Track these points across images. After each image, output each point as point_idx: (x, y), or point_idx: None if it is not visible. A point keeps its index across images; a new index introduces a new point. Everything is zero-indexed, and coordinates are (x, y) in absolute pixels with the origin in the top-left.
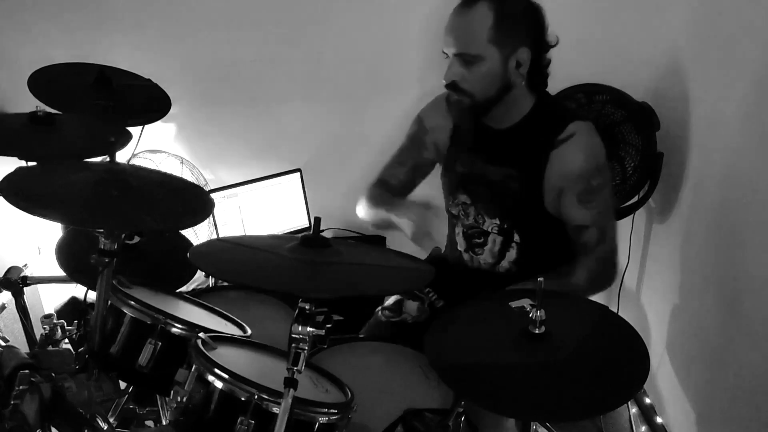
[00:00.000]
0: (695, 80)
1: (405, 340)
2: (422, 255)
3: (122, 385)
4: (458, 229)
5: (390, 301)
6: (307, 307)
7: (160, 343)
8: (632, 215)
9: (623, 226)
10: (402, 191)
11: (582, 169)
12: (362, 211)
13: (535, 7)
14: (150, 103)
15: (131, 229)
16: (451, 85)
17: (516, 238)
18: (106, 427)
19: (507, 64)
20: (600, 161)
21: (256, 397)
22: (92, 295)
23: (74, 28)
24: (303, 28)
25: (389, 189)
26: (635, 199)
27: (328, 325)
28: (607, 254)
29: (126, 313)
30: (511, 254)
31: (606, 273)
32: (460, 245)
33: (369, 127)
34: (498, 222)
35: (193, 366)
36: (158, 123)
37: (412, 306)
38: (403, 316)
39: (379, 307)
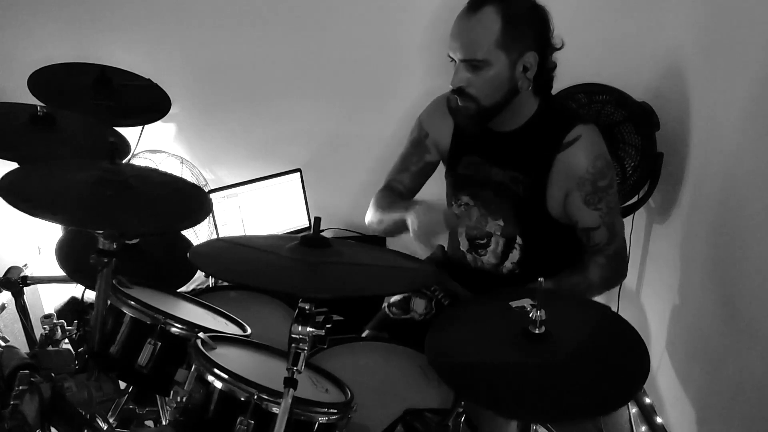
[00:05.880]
0: (695, 80)
1: (410, 338)
2: (423, 255)
3: (122, 385)
4: (461, 230)
5: (397, 297)
6: (307, 307)
7: (159, 343)
8: (632, 215)
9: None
10: (409, 196)
11: (588, 172)
12: (372, 218)
13: (541, 10)
14: (150, 103)
15: (130, 231)
16: (458, 91)
17: (519, 239)
18: (106, 427)
19: (514, 68)
20: (605, 163)
21: (255, 397)
22: (92, 295)
23: (74, 28)
24: (303, 28)
25: (397, 194)
26: (635, 199)
27: (328, 325)
28: (618, 252)
29: (126, 313)
30: (515, 255)
31: (618, 270)
32: (463, 245)
33: (369, 127)
34: (501, 223)
35: (193, 366)
36: (158, 123)
37: (420, 303)
38: (410, 314)
39: (386, 303)
